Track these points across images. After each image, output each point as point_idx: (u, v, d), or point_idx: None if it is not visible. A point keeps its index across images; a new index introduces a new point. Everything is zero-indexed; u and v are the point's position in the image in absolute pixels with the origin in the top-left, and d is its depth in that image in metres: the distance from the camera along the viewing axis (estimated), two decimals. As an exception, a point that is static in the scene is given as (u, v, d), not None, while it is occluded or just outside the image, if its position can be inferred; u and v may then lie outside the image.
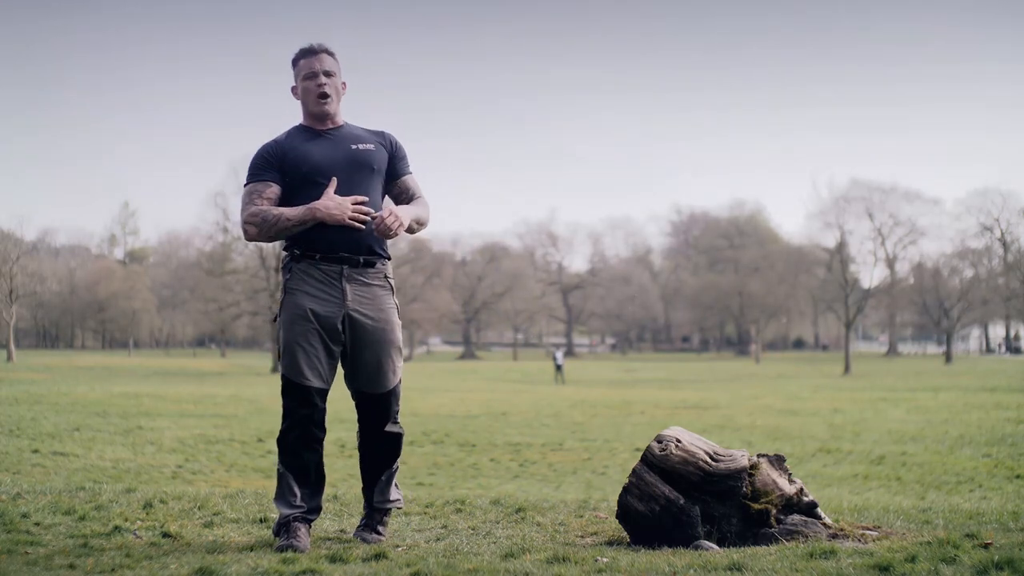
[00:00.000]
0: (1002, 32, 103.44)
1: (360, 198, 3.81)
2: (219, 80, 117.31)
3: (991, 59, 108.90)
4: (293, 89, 3.99)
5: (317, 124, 3.97)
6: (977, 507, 5.65)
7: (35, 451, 13.88)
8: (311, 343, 3.82)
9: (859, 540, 3.90)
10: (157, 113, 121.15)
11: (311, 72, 3.91)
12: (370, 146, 3.96)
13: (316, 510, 3.94)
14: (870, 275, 67.40)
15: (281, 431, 3.92)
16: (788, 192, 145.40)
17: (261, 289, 54.28)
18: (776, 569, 3.25)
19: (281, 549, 3.67)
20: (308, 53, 3.93)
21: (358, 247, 3.84)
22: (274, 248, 53.61)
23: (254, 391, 29.23)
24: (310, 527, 3.91)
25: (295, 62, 3.96)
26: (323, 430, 3.93)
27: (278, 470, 3.95)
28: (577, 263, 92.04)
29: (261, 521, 4.45)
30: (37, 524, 4.29)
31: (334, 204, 3.76)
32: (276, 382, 36.99)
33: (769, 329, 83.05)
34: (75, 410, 19.93)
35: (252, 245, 55.20)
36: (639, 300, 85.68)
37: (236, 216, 56.00)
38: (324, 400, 3.89)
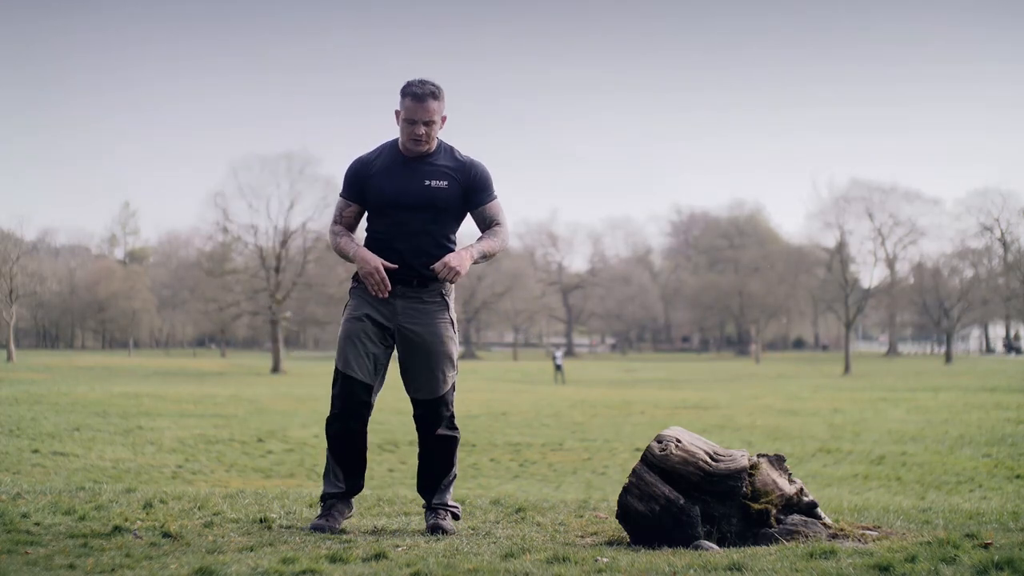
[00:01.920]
0: (1002, 32, 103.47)
1: (391, 267, 4.14)
2: (219, 80, 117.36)
3: (991, 59, 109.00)
4: (396, 114, 4.21)
5: (408, 153, 4.24)
6: (977, 507, 5.65)
7: (35, 451, 13.88)
8: (362, 341, 4.22)
9: (859, 540, 3.90)
10: (157, 113, 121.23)
11: (411, 119, 4.14)
12: (443, 183, 4.21)
13: (357, 488, 4.41)
14: (870, 275, 67.46)
15: (328, 418, 4.33)
16: (788, 192, 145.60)
17: (261, 289, 54.25)
18: (776, 569, 3.25)
19: (316, 528, 4.16)
20: (416, 98, 4.13)
21: (408, 274, 4.20)
22: (274, 249, 53.67)
23: (254, 391, 29.23)
24: (350, 504, 4.41)
25: (402, 96, 4.17)
26: (363, 422, 4.30)
27: (327, 452, 4.39)
28: (577, 263, 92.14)
29: (261, 521, 4.45)
30: (37, 524, 4.29)
31: (368, 267, 4.13)
32: (276, 382, 37.02)
33: (769, 329, 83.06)
34: (75, 410, 19.93)
35: (252, 245, 55.29)
36: (639, 300, 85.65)
37: (236, 216, 56.10)
38: (368, 395, 4.27)
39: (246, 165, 54.45)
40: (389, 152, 4.26)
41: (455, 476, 4.45)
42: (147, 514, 4.69)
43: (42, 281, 65.85)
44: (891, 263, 68.11)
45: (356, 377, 4.20)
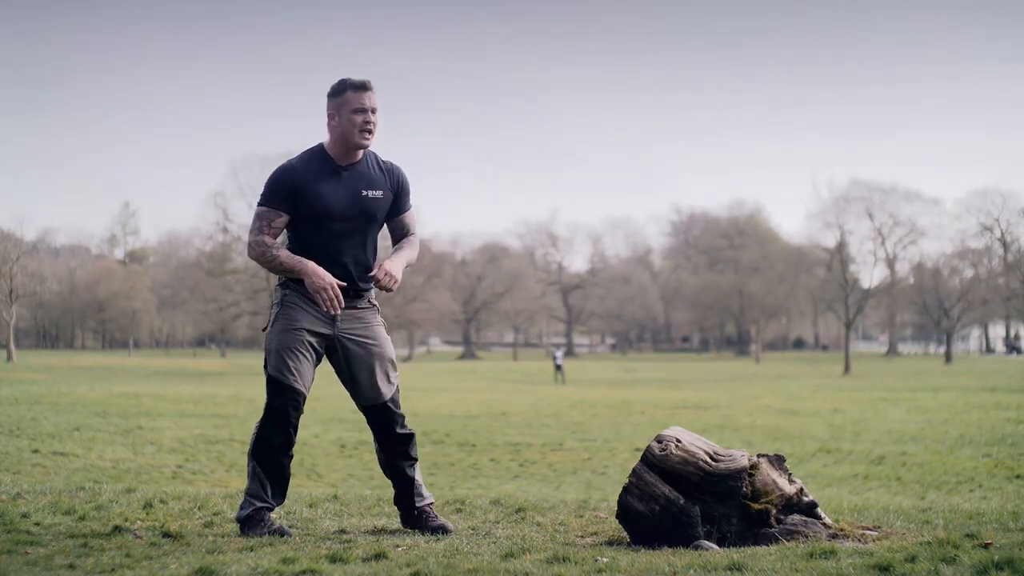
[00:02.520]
0: (1002, 32, 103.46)
1: (342, 284, 4.06)
2: (219, 80, 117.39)
3: (991, 59, 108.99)
4: (330, 116, 4.06)
5: (341, 158, 4.11)
6: (977, 507, 5.65)
7: (35, 451, 13.88)
8: (301, 352, 4.10)
9: (859, 540, 3.90)
10: (157, 113, 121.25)
11: (361, 107, 4.02)
12: (378, 193, 4.17)
13: (280, 504, 4.28)
14: (870, 275, 67.44)
15: (262, 431, 4.14)
16: (788, 192, 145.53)
17: (261, 289, 54.29)
18: (776, 569, 3.26)
19: (276, 532, 4.03)
20: (360, 88, 4.03)
21: (349, 286, 4.13)
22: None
23: (254, 391, 29.22)
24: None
25: (339, 92, 4.04)
26: (296, 434, 4.19)
27: (249, 467, 4.18)
28: (577, 263, 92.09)
29: (261, 521, 4.45)
30: (37, 524, 4.29)
31: (322, 283, 4.00)
32: (276, 382, 36.95)
33: (769, 329, 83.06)
34: (75, 410, 19.92)
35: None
36: (639, 300, 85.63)
37: (236, 216, 56.08)
38: (303, 405, 4.17)
39: (246, 165, 54.56)
40: (318, 159, 4.10)
41: (417, 460, 4.43)
42: (147, 514, 4.70)
43: (42, 281, 65.82)
44: (891, 263, 68.12)
45: (299, 388, 4.09)
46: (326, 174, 4.07)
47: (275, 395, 4.10)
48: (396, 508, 4.43)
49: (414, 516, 4.32)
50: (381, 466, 4.42)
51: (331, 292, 4.00)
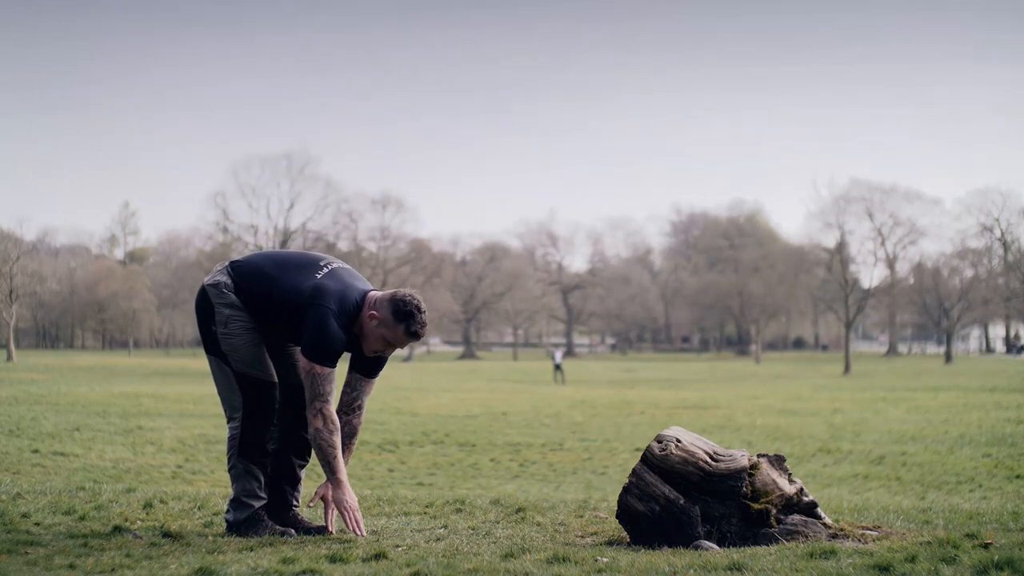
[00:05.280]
0: (1002, 32, 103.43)
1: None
2: (219, 80, 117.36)
3: (991, 59, 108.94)
4: (374, 316, 4.08)
5: (353, 327, 4.13)
6: (977, 507, 5.65)
7: (35, 451, 13.87)
8: (263, 346, 4.24)
9: (859, 540, 3.90)
10: (157, 113, 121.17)
11: (395, 343, 4.12)
12: None
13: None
14: (870, 275, 67.43)
15: (254, 431, 4.20)
16: (788, 192, 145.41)
17: (261, 289, 54.26)
18: (776, 569, 3.26)
19: (284, 534, 4.09)
20: (412, 336, 4.11)
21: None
22: (274, 248, 53.63)
23: (254, 391, 29.15)
24: None
25: (398, 318, 4.06)
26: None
27: (240, 467, 4.21)
28: (577, 263, 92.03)
29: (261, 521, 4.45)
30: (37, 524, 4.29)
31: (349, 502, 4.11)
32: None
33: (769, 329, 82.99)
34: (75, 410, 19.92)
35: (252, 245, 55.20)
36: (639, 300, 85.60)
37: (236, 216, 55.98)
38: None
39: (246, 165, 54.67)
40: (346, 325, 4.12)
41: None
42: (147, 514, 4.70)
43: (42, 281, 65.82)
44: (891, 263, 68.08)
45: (275, 383, 4.24)
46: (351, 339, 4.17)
47: (262, 394, 4.21)
48: (280, 500, 4.38)
49: (296, 518, 4.36)
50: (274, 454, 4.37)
51: (359, 514, 4.12)
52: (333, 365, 4.04)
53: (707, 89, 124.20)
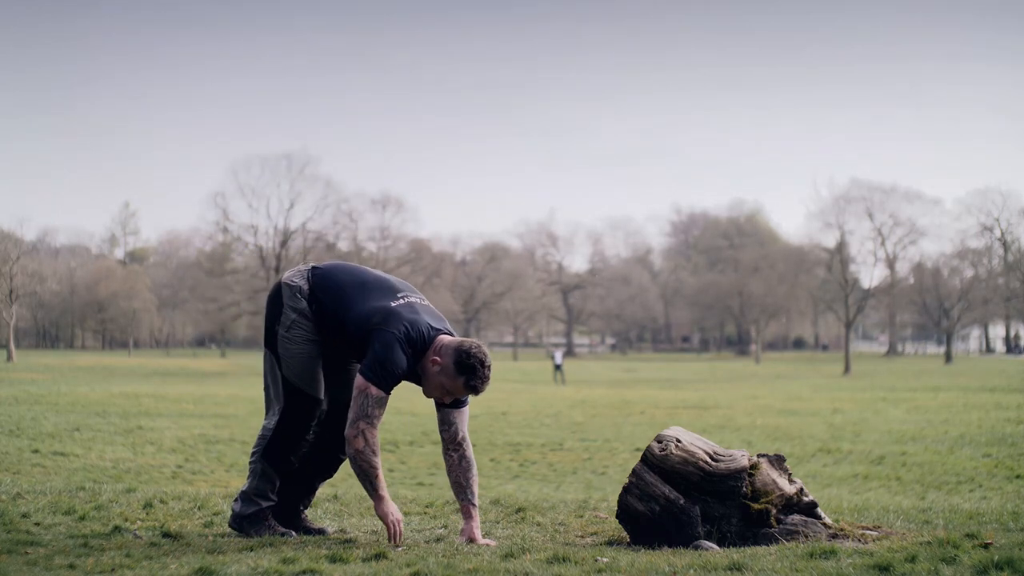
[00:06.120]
0: (1003, 31, 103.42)
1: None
2: (219, 80, 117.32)
3: (992, 59, 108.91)
4: (437, 362, 3.97)
5: (415, 362, 4.02)
6: (977, 507, 5.65)
7: (35, 451, 13.88)
8: (319, 362, 4.22)
9: (859, 540, 3.90)
10: (157, 113, 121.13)
11: (454, 395, 4.03)
12: None
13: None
14: (870, 275, 67.39)
15: (285, 439, 4.19)
16: (788, 192, 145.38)
17: (261, 289, 54.29)
18: (776, 569, 3.26)
19: (284, 535, 4.12)
20: (471, 390, 3.99)
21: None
22: (274, 249, 53.70)
23: (254, 391, 29.20)
24: None
25: (460, 369, 3.94)
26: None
27: (260, 466, 4.21)
28: (577, 263, 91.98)
29: (261, 521, 4.45)
30: (37, 524, 4.29)
31: (393, 515, 4.00)
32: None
33: (769, 329, 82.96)
34: (75, 410, 19.92)
35: (252, 245, 55.24)
36: (639, 300, 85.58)
37: (236, 216, 55.94)
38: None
39: (246, 165, 54.63)
40: (412, 361, 4.01)
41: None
42: (147, 514, 4.70)
43: (42, 281, 65.81)
44: (891, 263, 68.05)
45: (320, 400, 4.23)
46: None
47: (308, 410, 4.20)
48: (289, 504, 4.37)
49: (301, 518, 4.40)
50: (327, 461, 4.39)
51: (401, 527, 4.03)
52: (388, 390, 3.93)
53: (707, 89, 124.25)
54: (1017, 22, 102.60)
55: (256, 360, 61.44)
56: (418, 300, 4.16)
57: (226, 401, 24.39)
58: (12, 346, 51.41)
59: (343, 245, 62.38)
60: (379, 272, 4.33)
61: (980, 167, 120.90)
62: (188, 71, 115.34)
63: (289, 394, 4.17)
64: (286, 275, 4.29)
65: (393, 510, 3.99)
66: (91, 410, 20.10)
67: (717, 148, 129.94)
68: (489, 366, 3.98)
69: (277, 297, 4.22)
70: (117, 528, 4.24)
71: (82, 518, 4.47)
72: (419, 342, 3.97)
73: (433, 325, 4.05)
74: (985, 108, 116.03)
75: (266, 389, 4.27)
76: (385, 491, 3.97)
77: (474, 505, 4.11)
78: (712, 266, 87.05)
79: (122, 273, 76.52)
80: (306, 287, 4.16)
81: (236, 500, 4.30)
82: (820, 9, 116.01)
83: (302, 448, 4.23)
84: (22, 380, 30.97)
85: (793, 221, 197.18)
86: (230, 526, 4.28)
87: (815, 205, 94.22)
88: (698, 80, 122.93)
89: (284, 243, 54.17)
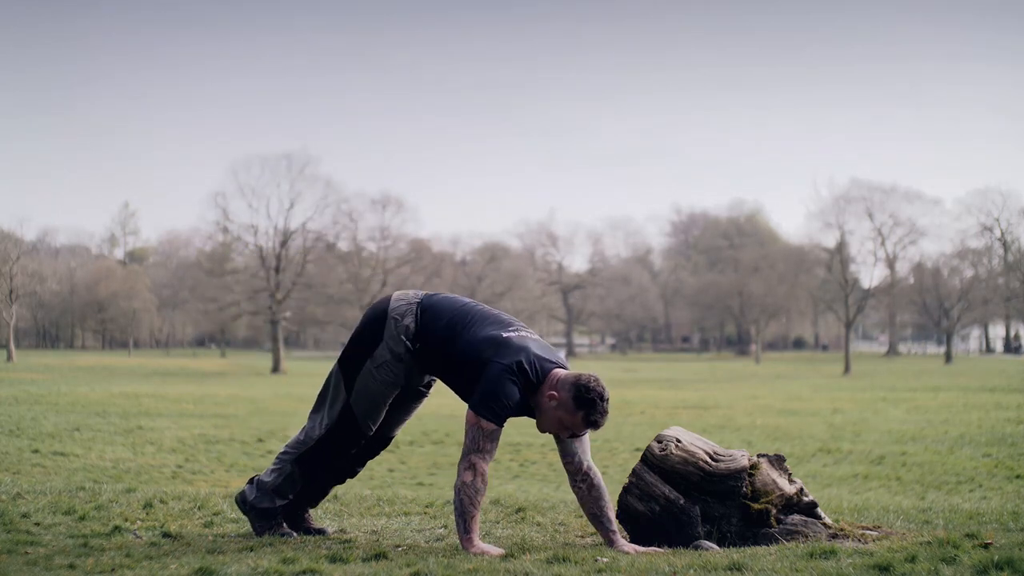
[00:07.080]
0: (1003, 32, 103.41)
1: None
2: (219, 80, 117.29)
3: (992, 59, 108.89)
4: (554, 397, 3.84)
5: (530, 392, 3.90)
6: (977, 507, 5.65)
7: (35, 451, 13.88)
8: (386, 403, 4.21)
9: (859, 540, 3.90)
10: (157, 113, 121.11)
11: (572, 431, 3.89)
12: None
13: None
14: (870, 275, 67.31)
15: (321, 456, 4.21)
16: (788, 192, 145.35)
17: (261, 289, 54.27)
18: (776, 569, 3.26)
19: (285, 535, 4.11)
20: (591, 424, 3.84)
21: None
22: (274, 249, 53.66)
23: (254, 391, 29.22)
24: None
25: (579, 404, 3.80)
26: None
27: (289, 469, 4.20)
28: (577, 263, 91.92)
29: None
30: (37, 524, 4.29)
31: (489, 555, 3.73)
32: (276, 382, 36.98)
33: (769, 329, 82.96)
34: (75, 410, 19.92)
35: (252, 245, 55.23)
36: (639, 300, 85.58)
37: (236, 216, 55.87)
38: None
39: (246, 165, 54.45)
40: (523, 392, 3.89)
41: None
42: (147, 514, 4.70)
43: (42, 281, 65.83)
44: (891, 263, 68.02)
45: (368, 437, 4.26)
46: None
47: (356, 440, 4.23)
48: (299, 505, 4.37)
49: (304, 518, 4.40)
50: (347, 472, 4.41)
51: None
52: (500, 424, 3.82)
53: (707, 89, 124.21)
54: (1017, 22, 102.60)
55: (256, 360, 61.46)
56: (530, 333, 4.04)
57: (226, 401, 24.39)
58: (12, 346, 51.41)
59: (343, 245, 62.36)
60: (488, 306, 4.19)
61: (980, 167, 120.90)
62: (188, 71, 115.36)
63: (343, 420, 4.13)
64: (394, 303, 4.12)
65: (486, 549, 3.73)
66: (91, 410, 20.10)
67: (717, 148, 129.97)
68: (608, 399, 3.84)
69: (379, 326, 4.08)
70: (117, 528, 4.24)
71: (82, 518, 4.47)
72: (531, 374, 3.86)
73: (546, 358, 3.92)
74: (985, 108, 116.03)
75: (322, 395, 4.18)
76: (475, 533, 3.78)
77: (614, 531, 3.93)
78: (712, 266, 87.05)
79: (122, 273, 76.54)
80: (413, 326, 4.03)
81: (251, 484, 4.28)
82: (820, 9, 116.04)
83: (331, 470, 4.30)
84: (22, 380, 30.97)
85: (793, 221, 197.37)
86: (236, 501, 4.35)
87: (815, 205, 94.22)
88: (698, 80, 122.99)
89: (284, 243, 54.14)
